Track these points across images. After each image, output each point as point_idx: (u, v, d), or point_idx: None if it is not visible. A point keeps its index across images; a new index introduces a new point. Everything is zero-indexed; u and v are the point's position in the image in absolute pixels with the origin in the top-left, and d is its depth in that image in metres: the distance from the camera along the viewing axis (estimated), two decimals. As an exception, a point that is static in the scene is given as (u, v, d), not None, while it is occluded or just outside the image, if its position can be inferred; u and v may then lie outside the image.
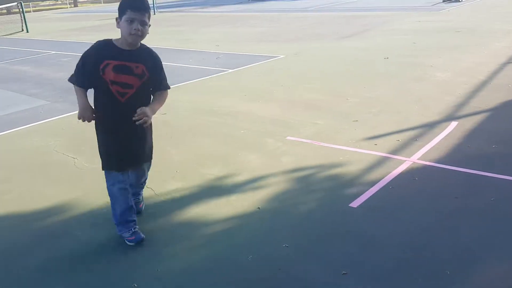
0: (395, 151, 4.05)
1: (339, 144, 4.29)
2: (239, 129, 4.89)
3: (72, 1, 35.52)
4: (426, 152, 3.97)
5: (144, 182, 3.16)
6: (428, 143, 4.17)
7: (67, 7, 34.78)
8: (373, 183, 3.46)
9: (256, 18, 17.23)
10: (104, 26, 17.40)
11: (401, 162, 3.82)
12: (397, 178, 3.54)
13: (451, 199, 3.17)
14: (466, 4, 16.18)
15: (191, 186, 3.64)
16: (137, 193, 3.15)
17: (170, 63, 8.97)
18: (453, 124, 4.59)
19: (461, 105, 5.17)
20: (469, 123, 4.58)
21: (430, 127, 4.58)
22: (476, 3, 16.35)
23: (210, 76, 7.63)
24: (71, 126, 5.29)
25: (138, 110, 2.62)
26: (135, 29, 2.55)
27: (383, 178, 3.55)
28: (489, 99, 5.26)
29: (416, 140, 4.27)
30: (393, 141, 4.29)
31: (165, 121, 5.36)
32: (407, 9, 15.98)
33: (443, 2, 17.34)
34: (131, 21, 2.55)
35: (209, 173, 3.86)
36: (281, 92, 6.34)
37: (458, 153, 3.91)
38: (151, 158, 3.05)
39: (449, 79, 6.31)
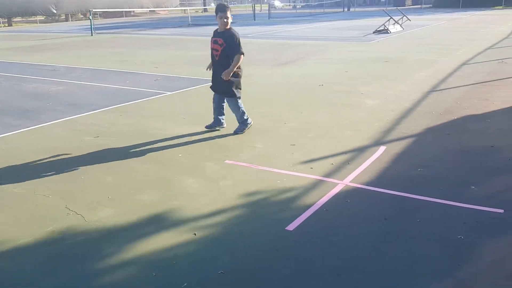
0: (329, 174, 4.19)
1: (276, 168, 4.36)
2: (176, 153, 4.84)
3: (6, 20, 33.72)
4: (357, 175, 4.14)
5: (237, 118, 5.54)
6: (359, 166, 4.35)
7: (1, 26, 32.94)
8: (308, 206, 3.54)
9: (196, 42, 17.31)
10: (39, 46, 16.67)
11: (335, 185, 3.95)
12: (331, 201, 3.65)
13: (381, 221, 3.32)
14: (395, 35, 17.32)
15: (124, 212, 3.52)
16: (221, 113, 5.64)
17: (106, 84, 8.74)
18: (382, 148, 4.83)
19: (389, 130, 5.47)
20: (396, 147, 4.85)
21: (361, 151, 4.80)
22: (403, 34, 17.56)
23: (147, 99, 7.52)
24: (-6, 149, 4.95)
25: (222, 74, 5.21)
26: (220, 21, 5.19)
27: (318, 200, 3.64)
28: (414, 125, 5.62)
29: (348, 163, 4.45)
30: (328, 164, 4.44)
31: (99, 144, 5.19)
32: (341, 39, 16.82)
33: (373, 33, 18.44)
34: (219, 18, 5.18)
35: (144, 198, 3.76)
36: (219, 116, 6.35)
37: (386, 176, 4.12)
38: (230, 95, 5.39)
39: (379, 106, 6.68)
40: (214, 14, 5.24)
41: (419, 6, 46.50)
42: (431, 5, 46.13)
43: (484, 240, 3.00)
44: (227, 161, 4.56)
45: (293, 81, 8.92)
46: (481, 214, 3.36)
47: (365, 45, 14.82)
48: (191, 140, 5.28)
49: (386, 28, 18.62)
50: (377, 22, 21.55)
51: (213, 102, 5.60)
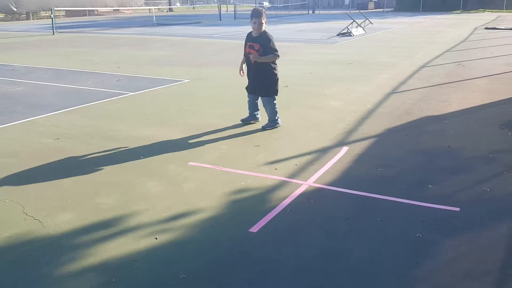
0: (293, 175, 4.22)
1: (241, 169, 4.35)
2: (138, 155, 4.75)
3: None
4: (320, 176, 4.19)
5: (269, 116, 5.72)
6: (322, 167, 4.41)
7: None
8: (272, 207, 3.55)
9: (160, 42, 17.09)
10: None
11: (299, 185, 3.98)
12: (295, 202, 3.67)
13: (343, 220, 3.37)
14: (358, 38, 17.68)
15: (84, 217, 3.42)
16: (256, 109, 5.86)
17: (67, 85, 8.49)
18: (345, 149, 4.92)
19: (351, 131, 5.57)
20: (358, 148, 4.94)
21: (324, 151, 4.86)
22: (366, 37, 17.94)
23: (109, 99, 7.35)
24: None
25: (252, 57, 5.42)
26: (254, 26, 5.38)
27: (282, 201, 3.66)
28: (375, 126, 5.74)
29: (312, 164, 4.49)
30: (292, 165, 4.47)
31: (58, 146, 5.03)
32: (306, 41, 17.01)
33: (337, 36, 18.76)
34: (253, 23, 5.36)
35: (104, 202, 3.67)
36: (184, 116, 6.31)
37: (348, 176, 4.19)
38: (266, 95, 5.60)
39: (342, 107, 6.79)
40: (250, 17, 5.42)
41: (381, 9, 47.69)
42: (392, 9, 47.41)
43: (441, 238, 3.09)
44: (190, 163, 4.52)
45: (258, 82, 8.93)
46: (438, 212, 3.46)
47: (329, 47, 15.05)
48: (153, 142, 5.20)
49: (349, 31, 18.98)
50: (341, 24, 21.94)
51: (248, 99, 5.83)
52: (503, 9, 39.07)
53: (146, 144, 5.12)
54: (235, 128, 5.74)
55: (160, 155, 4.74)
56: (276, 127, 5.70)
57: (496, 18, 28.96)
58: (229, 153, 4.83)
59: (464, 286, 2.59)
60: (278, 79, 5.60)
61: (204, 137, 5.37)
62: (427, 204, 3.59)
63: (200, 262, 2.84)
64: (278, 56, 5.47)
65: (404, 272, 2.72)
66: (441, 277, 2.67)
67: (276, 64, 5.59)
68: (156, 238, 3.11)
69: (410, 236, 3.12)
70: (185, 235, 3.16)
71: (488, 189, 3.82)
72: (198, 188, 3.94)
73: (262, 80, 5.54)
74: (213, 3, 54.84)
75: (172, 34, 20.62)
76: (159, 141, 5.22)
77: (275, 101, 5.66)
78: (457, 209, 3.49)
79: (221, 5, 37.82)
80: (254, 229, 3.21)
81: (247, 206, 3.59)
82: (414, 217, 3.39)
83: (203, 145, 5.08)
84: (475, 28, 21.20)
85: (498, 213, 3.43)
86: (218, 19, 31.80)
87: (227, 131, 5.61)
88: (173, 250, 2.98)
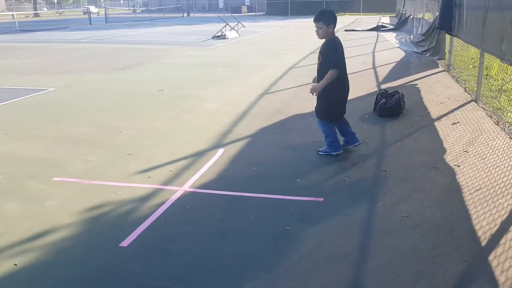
0: (168, 182, 4.15)
1: (111, 180, 4.16)
2: (-7, 175, 4.26)
3: None
4: (196, 180, 4.20)
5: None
6: (198, 170, 4.42)
7: None
8: (145, 218, 3.45)
9: (23, 49, 15.59)
10: None
11: (174, 192, 3.94)
12: (170, 209, 3.62)
13: (217, 222, 3.42)
14: (231, 41, 18.10)
15: None
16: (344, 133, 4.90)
17: None
18: (220, 151, 4.99)
19: (226, 133, 5.68)
20: (233, 149, 5.06)
21: (200, 155, 4.88)
22: (239, 40, 18.45)
23: (-44, 114, 6.48)
24: None
25: (310, 89, 4.59)
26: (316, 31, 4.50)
27: (155, 211, 3.58)
28: (249, 126, 5.94)
29: (188, 168, 4.48)
30: (167, 172, 4.40)
31: None
32: (181, 44, 16.91)
33: (212, 38, 18.99)
34: (315, 27, 4.51)
35: (-51, 232, 3.22)
36: (48, 128, 5.82)
37: (224, 178, 4.26)
38: (319, 117, 4.71)
39: (217, 109, 6.89)
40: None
41: (254, 13, 49.55)
42: (264, 13, 49.55)
43: (307, 228, 3.31)
44: (54, 178, 4.18)
45: (131, 86, 8.65)
46: (305, 204, 3.70)
47: (204, 50, 15.17)
48: (12, 158, 4.71)
49: (223, 34, 19.35)
50: (215, 27, 22.25)
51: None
52: (360, 12, 43.38)
53: (3, 161, 4.61)
54: (104, 136, 5.47)
55: (20, 173, 4.31)
56: (329, 154, 4.73)
57: (354, 20, 31.95)
58: (98, 164, 4.58)
59: (326, 270, 2.80)
60: (332, 102, 4.60)
61: (70, 149, 5.02)
62: (295, 197, 3.82)
63: (67, 284, 2.65)
64: (336, 72, 4.38)
65: (274, 265, 2.85)
66: (306, 265, 2.86)
67: (339, 82, 4.51)
68: (15, 264, 2.83)
69: (280, 230, 3.29)
70: (49, 257, 2.92)
71: (347, 178, 4.19)
72: (63, 205, 3.66)
73: (318, 97, 4.67)
74: (83, 7, 51.72)
75: (37, 41, 18.94)
76: (18, 156, 4.75)
77: (327, 125, 4.68)
78: (321, 199, 3.77)
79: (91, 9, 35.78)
80: (125, 243, 3.09)
81: (118, 219, 3.44)
82: (284, 211, 3.58)
83: (69, 157, 4.75)
84: (336, 31, 23.13)
85: (354, 199, 3.78)
86: (88, 23, 30.02)
87: (95, 140, 5.32)
88: (35, 274, 2.74)
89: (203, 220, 3.46)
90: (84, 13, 33.06)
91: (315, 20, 4.47)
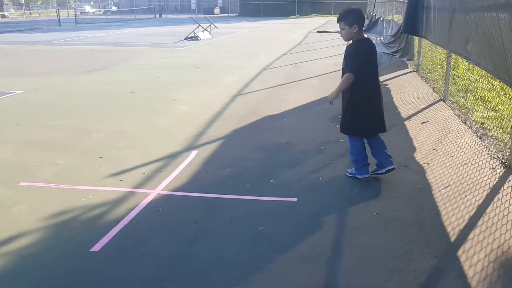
0: (140, 185, 4.09)
1: (82, 184, 4.06)
2: (-44, 181, 4.10)
3: None
4: (169, 182, 4.15)
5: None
6: (171, 173, 4.37)
7: None
8: (117, 222, 3.39)
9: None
10: None
11: (146, 195, 3.88)
12: (142, 212, 3.57)
13: (191, 224, 3.38)
14: (204, 42, 18.02)
15: None
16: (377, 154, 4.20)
17: None
18: (194, 153, 4.95)
19: (200, 135, 5.64)
20: (207, 151, 5.03)
21: (173, 157, 4.83)
22: (212, 41, 18.38)
23: None
24: None
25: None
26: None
27: (127, 214, 3.51)
28: (223, 128, 5.92)
29: (161, 171, 4.42)
30: (139, 174, 4.33)
31: None
32: (153, 45, 16.73)
33: (184, 39, 18.86)
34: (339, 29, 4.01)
35: None
36: (15, 132, 5.65)
37: (197, 180, 4.23)
38: (340, 130, 4.21)
39: (190, 111, 6.83)
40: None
41: (227, 14, 49.51)
42: (237, 14, 49.57)
43: (281, 228, 3.32)
44: (22, 183, 4.06)
45: (102, 88, 8.50)
46: (279, 204, 3.71)
47: (177, 51, 15.04)
48: (-24, 163, 4.55)
49: (196, 35, 19.24)
50: (188, 28, 22.10)
51: None
52: (331, 14, 43.91)
53: (-34, 167, 4.45)
54: (74, 140, 5.34)
55: (-16, 179, 4.17)
56: (360, 179, 4.13)
57: (326, 22, 32.34)
58: (68, 168, 4.47)
59: (300, 270, 2.81)
60: (353, 113, 4.03)
61: (38, 153, 4.89)
62: (269, 198, 3.82)
63: (35, 292, 2.57)
64: (351, 76, 3.85)
65: (249, 266, 2.85)
66: (279, 263, 2.86)
67: (360, 90, 3.94)
68: (-21, 275, 2.72)
69: (255, 231, 3.28)
70: (16, 264, 2.83)
71: (320, 178, 4.22)
72: (30, 210, 3.55)
73: (341, 106, 4.17)
74: (52, 8, 50.47)
75: (4, 42, 18.39)
76: (-18, 162, 4.59)
77: (350, 140, 4.15)
78: (295, 199, 3.79)
79: (61, 10, 35.00)
80: (96, 247, 3.02)
81: (88, 224, 3.37)
82: (258, 212, 3.57)
83: (37, 161, 4.62)
84: (309, 32, 23.32)
85: (327, 198, 3.82)
86: (57, 25, 29.33)
87: (65, 144, 5.19)
88: (1, 282, 2.64)
89: (177, 223, 3.42)
90: (81, 13, 32.37)
91: (337, 21, 3.97)
